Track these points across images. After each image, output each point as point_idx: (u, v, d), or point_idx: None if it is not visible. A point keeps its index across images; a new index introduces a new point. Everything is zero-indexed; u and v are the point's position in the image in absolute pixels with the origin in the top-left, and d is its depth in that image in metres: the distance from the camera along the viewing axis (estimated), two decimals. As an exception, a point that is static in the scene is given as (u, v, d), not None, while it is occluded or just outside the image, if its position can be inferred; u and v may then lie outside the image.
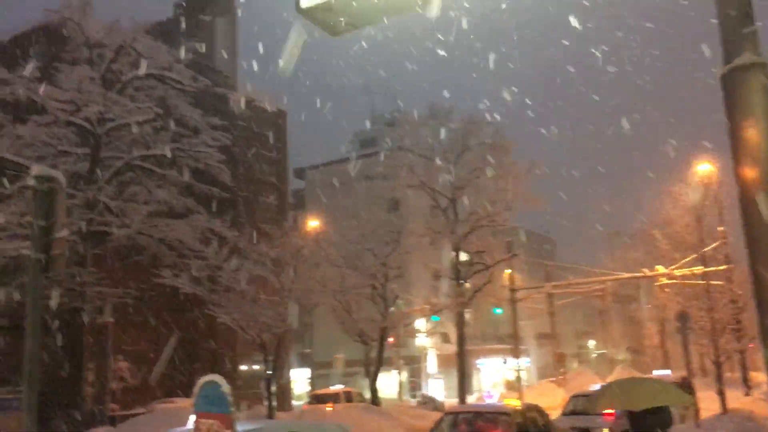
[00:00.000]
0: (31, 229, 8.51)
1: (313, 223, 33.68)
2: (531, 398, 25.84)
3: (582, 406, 17.06)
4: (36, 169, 7.83)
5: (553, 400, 29.09)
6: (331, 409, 25.55)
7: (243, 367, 40.55)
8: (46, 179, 7.92)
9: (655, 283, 31.99)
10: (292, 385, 47.21)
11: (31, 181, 7.97)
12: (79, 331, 22.93)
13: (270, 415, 26.25)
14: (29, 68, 22.11)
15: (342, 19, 4.20)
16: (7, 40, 29.93)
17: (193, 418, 6.55)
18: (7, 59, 23.07)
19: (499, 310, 38.03)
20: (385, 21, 4.57)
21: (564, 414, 19.16)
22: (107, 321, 26.12)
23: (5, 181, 20.90)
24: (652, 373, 29.59)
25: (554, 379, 43.05)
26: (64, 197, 8.97)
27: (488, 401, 21.72)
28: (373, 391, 30.50)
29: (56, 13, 23.55)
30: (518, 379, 31.67)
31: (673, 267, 25.96)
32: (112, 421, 25.00)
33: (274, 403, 29.21)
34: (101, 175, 23.26)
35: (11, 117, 22.39)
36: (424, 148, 32.35)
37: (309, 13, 4.19)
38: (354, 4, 4.06)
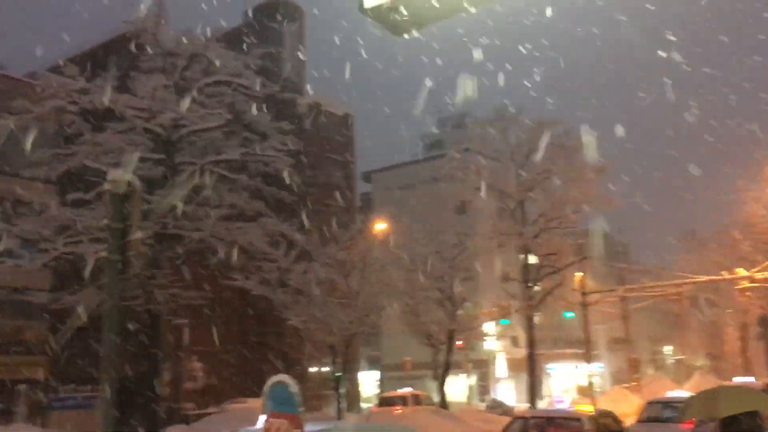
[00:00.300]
0: (108, 232, 8.82)
1: (380, 226, 33.80)
2: (604, 404, 25.18)
3: (659, 413, 16.50)
4: (112, 173, 8.11)
5: (627, 407, 28.27)
6: (399, 411, 25.52)
7: (312, 369, 41.01)
8: (122, 183, 8.19)
9: (735, 287, 30.73)
10: (361, 387, 47.43)
11: (107, 186, 8.26)
12: (155, 332, 23.63)
13: (339, 417, 26.44)
14: (107, 78, 22.98)
15: (404, 18, 4.17)
16: (87, 51, 31.20)
17: (262, 417, 6.61)
18: (87, 69, 23.99)
19: (570, 314, 37.24)
20: (450, 17, 4.50)
21: (640, 421, 18.58)
22: (182, 322, 26.83)
23: (85, 186, 21.77)
24: (732, 380, 28.41)
25: (628, 385, 41.86)
26: (140, 201, 9.27)
27: (558, 407, 21.28)
28: (442, 394, 30.34)
29: (133, 24, 24.37)
30: (591, 384, 30.92)
31: (755, 270, 24.86)
32: (187, 419, 25.65)
33: (343, 405, 29.44)
34: (175, 180, 23.93)
35: (90, 125, 23.26)
36: (492, 149, 32.04)
37: (372, 13, 4.17)
38: (416, 3, 4.02)
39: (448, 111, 59.41)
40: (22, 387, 27.71)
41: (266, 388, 6.36)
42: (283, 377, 6.50)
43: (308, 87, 44.71)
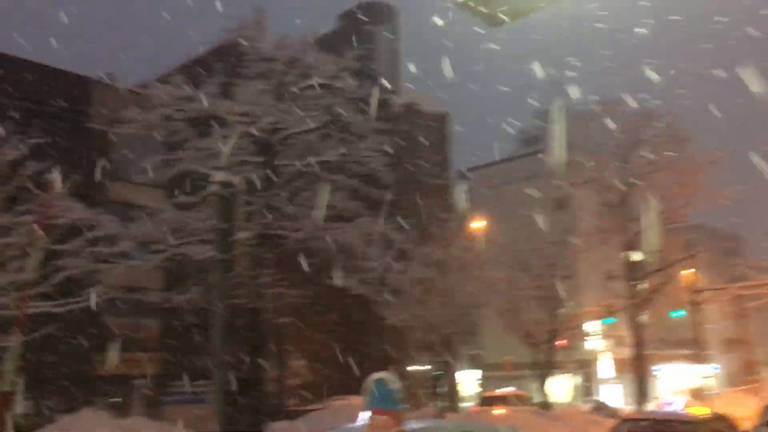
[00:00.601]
0: (214, 232, 9.17)
1: (477, 224, 33.46)
2: (719, 407, 23.92)
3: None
4: (218, 176, 8.40)
5: (744, 411, 26.74)
6: (500, 411, 25.19)
7: (411, 368, 41.12)
8: (227, 185, 8.48)
9: None
10: (460, 386, 47.20)
11: (213, 188, 8.58)
12: (259, 330, 24.33)
13: (439, 415, 26.36)
14: (210, 85, 23.86)
15: (498, 10, 4.10)
16: (191, 61, 32.56)
17: (363, 414, 6.60)
18: (191, 78, 24.99)
19: (678, 313, 35.62)
20: (544, 7, 4.37)
21: (761, 425, 17.51)
22: (285, 321, 27.47)
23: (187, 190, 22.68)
24: None
25: (744, 387, 39.62)
26: (243, 202, 9.58)
27: (667, 409, 20.38)
28: (544, 394, 29.72)
29: (234, 33, 25.20)
30: (704, 386, 29.48)
31: None
32: (291, 415, 26.25)
33: (444, 404, 29.34)
34: (276, 182, 24.57)
35: (195, 132, 24.23)
36: (593, 142, 31.08)
37: (466, 6, 4.12)
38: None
39: (545, 105, 58.21)
40: (137, 382, 29.21)
41: (367, 385, 6.39)
42: (384, 374, 6.51)
43: (404, 85, 44.89)
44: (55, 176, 19.10)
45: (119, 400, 27.86)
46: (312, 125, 24.75)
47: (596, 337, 41.05)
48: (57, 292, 19.97)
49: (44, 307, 19.14)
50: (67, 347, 25.77)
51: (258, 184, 22.64)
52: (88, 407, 22.15)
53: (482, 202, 47.18)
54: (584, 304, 34.60)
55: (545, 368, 30.26)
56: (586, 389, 47.96)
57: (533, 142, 56.03)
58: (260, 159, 24.57)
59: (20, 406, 20.12)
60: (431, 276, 27.46)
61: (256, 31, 24.97)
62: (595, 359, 48.57)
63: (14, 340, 17.65)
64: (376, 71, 41.58)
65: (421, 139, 44.11)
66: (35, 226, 18.25)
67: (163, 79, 27.34)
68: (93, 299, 20.22)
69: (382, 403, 6.26)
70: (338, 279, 27.75)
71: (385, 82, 40.55)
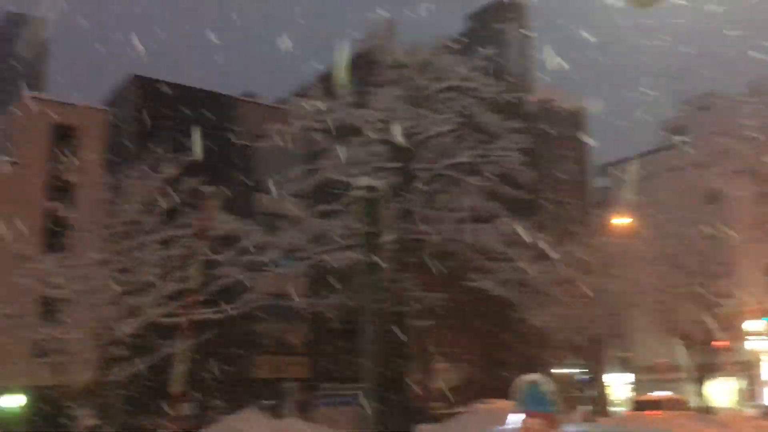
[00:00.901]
0: (360, 236, 9.36)
1: (620, 221, 32.04)
2: None
3: None
4: (363, 180, 8.60)
5: None
6: (656, 416, 23.94)
7: (556, 370, 40.02)
8: (372, 189, 8.65)
9: None
10: (610, 390, 45.35)
11: (357, 192, 8.77)
12: (403, 333, 24.60)
13: (590, 419, 25.47)
14: (346, 96, 24.53)
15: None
16: (327, 73, 33.57)
17: (513, 417, 6.44)
18: (326, 91, 25.77)
19: None
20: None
21: None
22: (426, 324, 27.61)
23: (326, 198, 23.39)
24: None
25: None
26: (386, 206, 9.74)
27: None
28: (702, 398, 27.95)
29: (366, 43, 25.79)
30: None
31: None
32: (437, 418, 26.28)
33: (592, 408, 28.28)
34: (413, 186, 24.82)
35: (333, 141, 24.96)
36: (746, 129, 28.92)
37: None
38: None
39: (690, 93, 55.03)
40: (288, 385, 30.40)
41: (518, 386, 6.25)
42: (535, 376, 6.35)
43: (537, 82, 43.97)
44: (209, 191, 20.31)
45: (273, 402, 29.10)
46: (446, 128, 24.80)
47: (759, 337, 38.07)
48: (213, 300, 21.21)
49: (204, 314, 20.38)
50: (223, 352, 27.24)
51: (396, 189, 22.96)
52: (245, 409, 23.32)
53: (625, 197, 45.17)
54: (744, 302, 32.18)
55: (703, 371, 28.42)
56: (750, 393, 44.60)
57: (679, 132, 53.02)
58: (397, 164, 24.91)
59: (187, 407, 21.52)
60: (574, 276, 26.59)
61: (387, 39, 25.40)
62: (758, 360, 45.07)
63: (181, 346, 18.91)
64: (509, 70, 41.01)
65: (558, 136, 42.97)
66: (196, 237, 19.48)
67: (300, 93, 28.40)
68: (246, 306, 21.30)
69: (535, 405, 6.10)
70: (477, 281, 27.55)
71: (517, 80, 39.89)
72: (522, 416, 6.44)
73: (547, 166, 42.02)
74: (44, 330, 19.63)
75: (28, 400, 23.88)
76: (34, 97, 29.01)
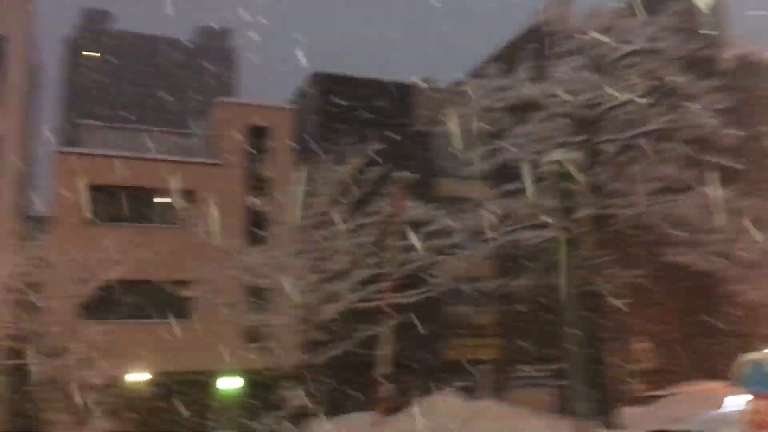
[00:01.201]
0: (554, 213, 9.03)
1: None
2: None
3: None
4: (555, 154, 8.27)
5: None
6: None
7: (773, 350, 36.52)
8: (564, 162, 8.30)
9: None
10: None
11: (551, 167, 8.45)
12: (598, 313, 23.65)
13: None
14: (524, 70, 23.88)
15: None
16: (502, 49, 32.97)
17: (732, 399, 5.86)
18: (504, 67, 25.25)
19: None
20: None
21: None
22: (623, 302, 26.34)
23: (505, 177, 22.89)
24: None
25: None
26: (578, 180, 9.28)
27: None
28: None
29: (543, 13, 24.92)
30: None
31: None
32: (641, 401, 25.08)
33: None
34: (600, 159, 23.67)
35: (515, 119, 24.42)
36: None
37: None
38: None
39: None
40: (482, 367, 30.46)
41: (739, 367, 5.70)
42: (759, 355, 5.77)
43: (733, 36, 40.14)
44: (396, 177, 20.76)
45: (467, 384, 29.27)
46: (634, 94, 23.31)
47: None
48: (406, 285, 21.70)
49: (397, 298, 20.93)
50: (417, 335, 27.85)
51: (583, 163, 22.01)
52: (440, 391, 23.65)
53: None
54: None
55: None
56: None
57: None
58: (581, 138, 23.87)
59: (389, 388, 22.23)
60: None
61: (565, 6, 24.37)
62: None
63: (382, 329, 19.58)
64: (701, 25, 37.75)
65: (763, 93, 38.92)
66: (386, 223, 20.03)
67: (477, 73, 28.09)
68: (436, 289, 21.55)
69: (763, 386, 5.48)
70: (677, 255, 25.71)
71: (711, 35, 36.64)
72: (745, 398, 5.82)
73: (751, 126, 38.23)
74: (254, 317, 21.22)
75: (243, 383, 25.94)
76: (229, 102, 31.36)
